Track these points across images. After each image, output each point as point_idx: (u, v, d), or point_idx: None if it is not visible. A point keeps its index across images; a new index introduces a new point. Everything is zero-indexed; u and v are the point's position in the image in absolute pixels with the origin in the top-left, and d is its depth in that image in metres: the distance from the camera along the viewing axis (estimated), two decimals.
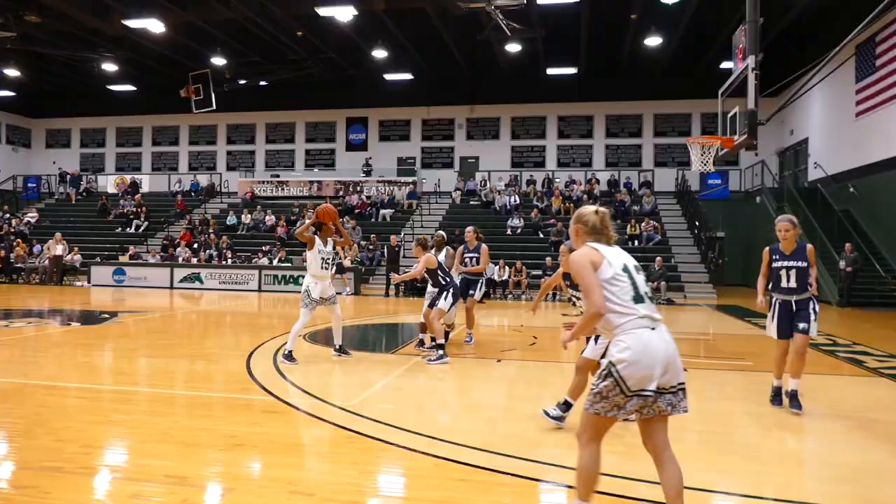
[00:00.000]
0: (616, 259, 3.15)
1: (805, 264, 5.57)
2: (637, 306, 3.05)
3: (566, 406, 5.19)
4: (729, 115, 10.10)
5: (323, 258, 7.80)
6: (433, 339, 8.25)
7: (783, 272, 5.66)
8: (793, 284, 5.61)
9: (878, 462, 4.42)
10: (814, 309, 5.60)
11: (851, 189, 19.66)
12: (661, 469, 3.09)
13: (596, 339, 5.09)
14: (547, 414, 5.19)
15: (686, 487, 3.88)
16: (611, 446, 4.75)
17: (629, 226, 22.09)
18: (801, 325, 5.54)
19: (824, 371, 7.70)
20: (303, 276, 8.21)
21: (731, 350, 9.45)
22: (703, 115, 26.34)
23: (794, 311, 5.60)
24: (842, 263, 16.91)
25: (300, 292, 7.99)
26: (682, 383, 3.05)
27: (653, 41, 22.24)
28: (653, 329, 3.02)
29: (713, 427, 5.42)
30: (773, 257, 5.75)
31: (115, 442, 4.75)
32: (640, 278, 3.15)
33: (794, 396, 5.60)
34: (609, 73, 26.33)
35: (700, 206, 23.61)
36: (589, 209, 3.36)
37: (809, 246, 5.67)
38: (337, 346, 8.14)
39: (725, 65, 21.12)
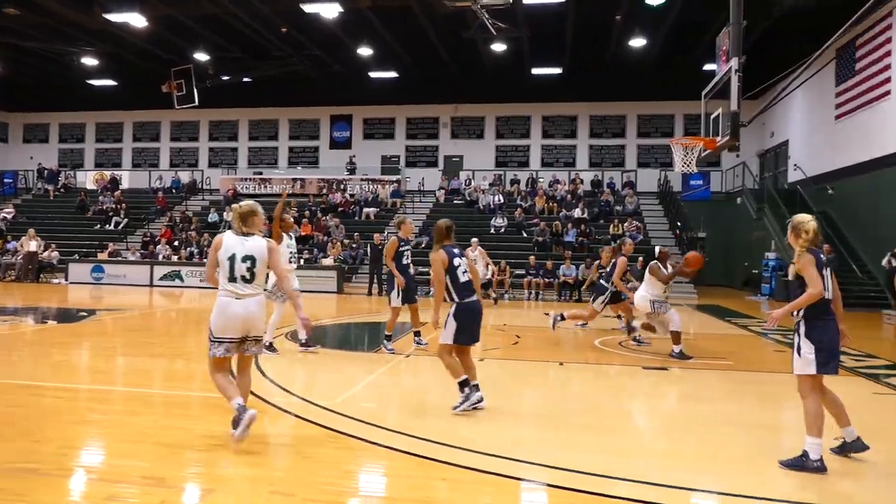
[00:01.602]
0: (229, 248, 4.49)
1: (792, 278, 4.42)
2: (229, 284, 4.47)
3: (462, 385, 5.41)
4: (712, 117, 10.17)
5: (291, 252, 8.15)
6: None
7: None
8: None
9: (855, 458, 4.46)
10: (797, 340, 4.35)
11: (830, 191, 19.92)
12: (238, 378, 4.69)
13: (446, 325, 5.47)
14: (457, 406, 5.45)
15: (662, 485, 3.91)
16: (600, 446, 4.77)
17: (612, 226, 22.19)
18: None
19: None
20: None
21: (711, 349, 9.53)
22: (686, 116, 26.52)
23: None
24: None
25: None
26: (257, 337, 4.61)
27: (637, 42, 22.36)
28: (237, 299, 4.46)
29: (693, 427, 5.45)
30: None
31: (92, 442, 4.68)
32: (242, 265, 4.46)
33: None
34: (593, 74, 26.39)
35: (682, 206, 23.79)
36: (235, 208, 4.64)
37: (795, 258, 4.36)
38: (302, 341, 8.27)
39: (708, 66, 21.27)
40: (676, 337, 8.49)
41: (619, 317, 11.27)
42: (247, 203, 4.67)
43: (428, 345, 8.72)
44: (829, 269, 4.45)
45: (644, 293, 8.70)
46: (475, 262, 15.32)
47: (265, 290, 8.16)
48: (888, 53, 16.92)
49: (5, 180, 30.65)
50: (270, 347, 7.98)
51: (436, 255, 5.42)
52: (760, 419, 5.66)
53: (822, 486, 4.00)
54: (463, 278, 5.46)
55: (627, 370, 8.14)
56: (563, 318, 10.60)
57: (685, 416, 5.89)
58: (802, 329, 4.34)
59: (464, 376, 5.40)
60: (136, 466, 4.03)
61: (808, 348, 4.31)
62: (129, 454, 4.29)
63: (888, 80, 16.91)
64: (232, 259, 4.47)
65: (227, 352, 4.51)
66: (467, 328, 5.45)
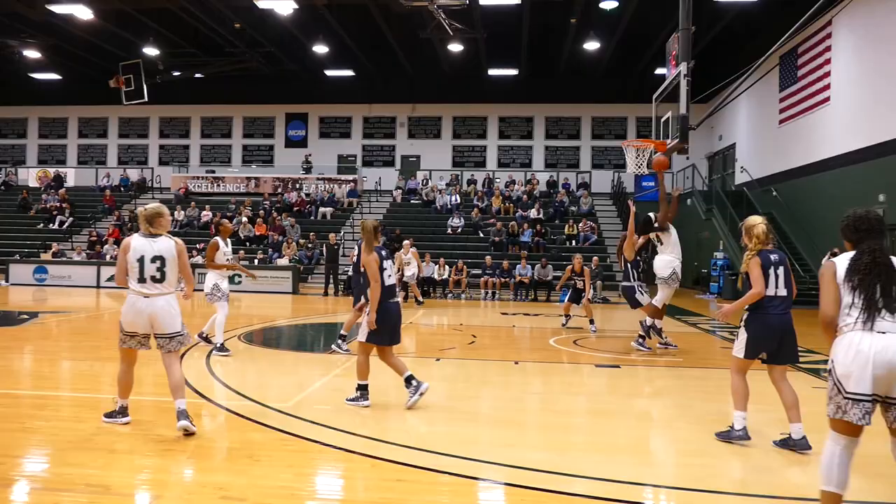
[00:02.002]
0: (137, 250, 4.66)
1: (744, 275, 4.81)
2: (137, 285, 4.65)
3: (360, 388, 5.68)
4: (662, 120, 10.42)
5: (227, 258, 8.22)
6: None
7: None
8: None
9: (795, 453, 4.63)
10: (740, 328, 4.85)
11: (774, 193, 20.64)
12: (168, 379, 4.72)
13: (362, 325, 5.65)
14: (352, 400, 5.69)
15: (619, 481, 3.99)
16: (557, 443, 4.83)
17: (567, 226, 22.52)
18: None
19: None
20: (238, 276, 8.27)
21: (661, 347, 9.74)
22: (639, 118, 27.11)
23: None
24: None
25: (204, 292, 8.10)
26: (172, 334, 4.71)
27: (591, 45, 22.74)
28: (146, 297, 4.64)
29: (647, 423, 5.58)
30: None
31: (34, 450, 4.50)
32: (152, 266, 4.65)
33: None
34: (549, 76, 26.76)
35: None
36: (140, 211, 4.81)
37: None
38: (217, 344, 8.01)
39: (660, 70, 21.80)
40: (653, 311, 8.86)
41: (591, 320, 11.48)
42: (152, 205, 4.86)
43: None
44: (781, 267, 4.75)
45: (667, 258, 8.83)
46: (408, 265, 15.38)
47: (203, 291, 8.11)
48: (828, 61, 17.63)
49: None
50: (222, 348, 7.93)
51: (370, 257, 5.53)
52: (711, 413, 5.82)
53: (770, 477, 4.15)
54: (388, 281, 5.62)
55: (581, 368, 8.28)
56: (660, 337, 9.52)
57: (639, 413, 6.02)
58: (744, 318, 4.82)
59: (366, 382, 5.64)
60: (81, 474, 3.90)
61: (743, 336, 4.78)
62: (74, 462, 4.15)
63: (828, 86, 17.62)
64: (141, 260, 4.65)
65: (139, 345, 4.77)
66: (383, 329, 5.55)
